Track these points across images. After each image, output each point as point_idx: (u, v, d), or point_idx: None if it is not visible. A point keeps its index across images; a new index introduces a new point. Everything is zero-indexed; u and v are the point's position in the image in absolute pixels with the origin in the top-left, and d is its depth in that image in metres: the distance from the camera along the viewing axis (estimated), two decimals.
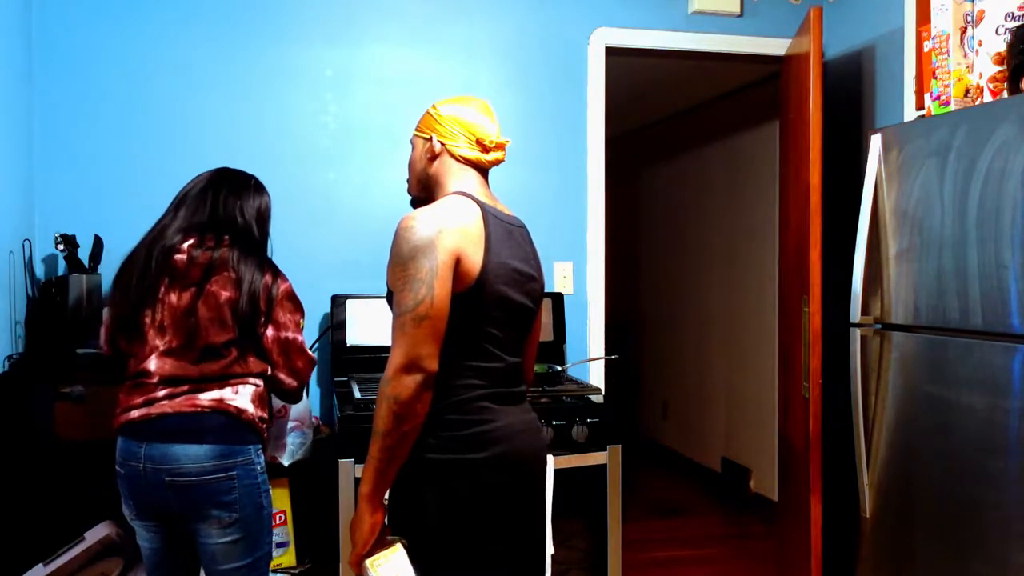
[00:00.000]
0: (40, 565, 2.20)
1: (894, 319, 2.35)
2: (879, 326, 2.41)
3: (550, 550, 2.48)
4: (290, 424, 2.47)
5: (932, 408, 2.20)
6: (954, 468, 2.12)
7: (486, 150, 1.79)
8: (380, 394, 1.58)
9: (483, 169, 1.81)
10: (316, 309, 3.03)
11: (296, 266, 3.04)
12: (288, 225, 3.04)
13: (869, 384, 2.42)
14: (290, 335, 2.03)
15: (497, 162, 1.81)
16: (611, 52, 3.31)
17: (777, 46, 3.41)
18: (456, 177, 1.78)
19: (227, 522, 1.88)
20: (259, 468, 1.96)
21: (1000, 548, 1.98)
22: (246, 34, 3.01)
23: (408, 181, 1.87)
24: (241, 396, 1.94)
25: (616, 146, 4.96)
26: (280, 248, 3.03)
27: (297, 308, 2.07)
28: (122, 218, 2.86)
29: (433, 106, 1.82)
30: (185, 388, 1.89)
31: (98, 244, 2.65)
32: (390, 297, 1.68)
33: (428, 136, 1.79)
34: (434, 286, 1.59)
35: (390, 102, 3.11)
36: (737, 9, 3.37)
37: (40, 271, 2.77)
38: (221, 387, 1.92)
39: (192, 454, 1.85)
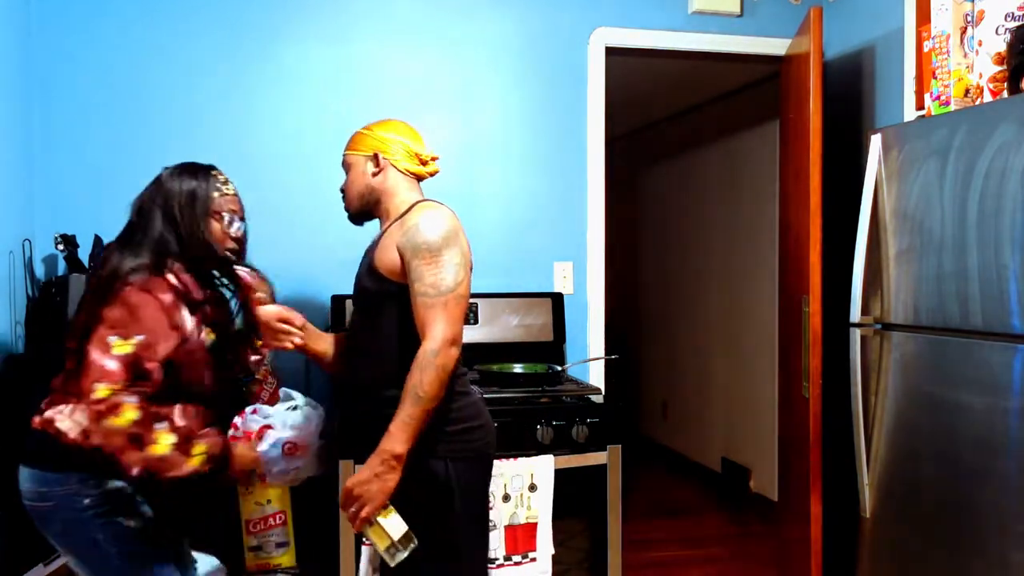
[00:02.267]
0: (40, 565, 2.20)
1: (894, 319, 2.35)
2: (879, 326, 2.41)
3: (550, 550, 2.48)
4: (282, 441, 2.05)
5: (932, 408, 2.20)
6: (954, 468, 2.12)
7: (423, 163, 2.01)
8: (426, 363, 1.74)
9: (421, 179, 2.02)
10: (316, 309, 3.03)
11: (296, 266, 3.04)
12: (288, 225, 3.04)
13: (869, 384, 2.42)
14: (93, 352, 1.64)
15: (434, 173, 2.03)
16: (611, 52, 3.31)
17: (777, 46, 3.41)
18: (405, 187, 1.98)
19: (67, 555, 1.77)
20: (88, 500, 1.71)
21: (1000, 548, 1.98)
22: (246, 34, 3.01)
23: (345, 199, 2.04)
24: (76, 415, 1.66)
25: (616, 146, 4.97)
26: (280, 248, 3.04)
27: (129, 321, 1.67)
28: (122, 219, 2.84)
29: (368, 128, 2.01)
30: (43, 403, 1.74)
31: (98, 244, 2.65)
32: (365, 293, 1.90)
33: (370, 154, 1.97)
34: (467, 271, 1.84)
35: (390, 102, 3.11)
36: (737, 9, 3.37)
37: (40, 271, 2.77)
38: (65, 401, 1.69)
39: (23, 477, 1.75)
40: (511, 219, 3.22)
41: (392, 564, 1.76)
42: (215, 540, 2.60)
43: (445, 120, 3.17)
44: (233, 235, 1.90)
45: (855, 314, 2.44)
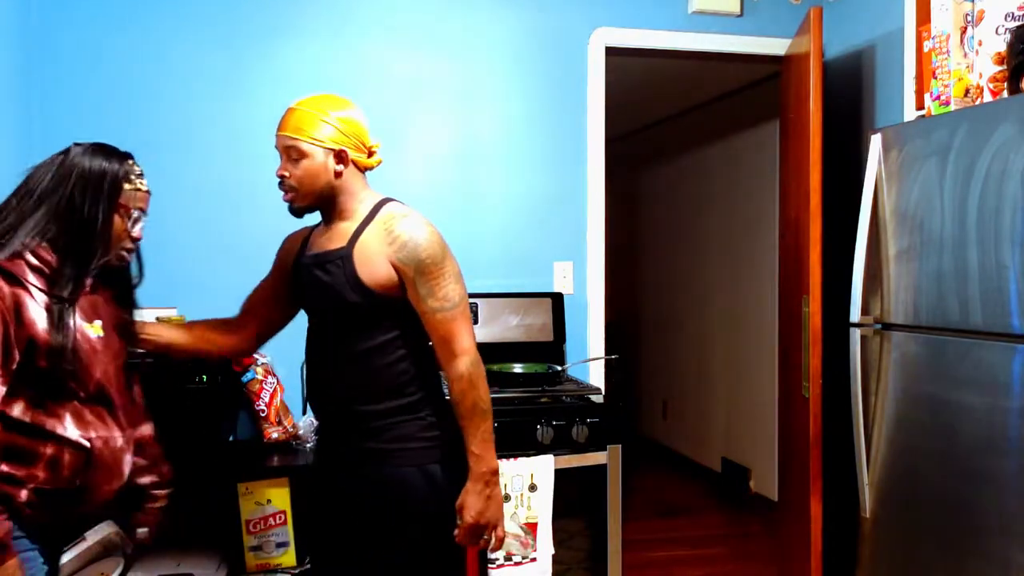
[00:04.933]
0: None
1: (894, 319, 2.35)
2: (879, 326, 2.41)
3: (550, 550, 2.48)
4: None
5: (932, 408, 2.20)
6: (954, 468, 2.12)
7: (371, 154, 1.89)
8: (475, 377, 1.76)
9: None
10: None
11: None
12: (288, 226, 3.04)
13: (869, 384, 2.42)
14: None
15: (378, 164, 1.91)
16: (611, 52, 3.31)
17: (777, 46, 3.41)
18: (361, 184, 1.88)
19: None
20: None
21: (1000, 548, 1.98)
22: (246, 33, 3.01)
23: (295, 192, 1.83)
24: None
25: (616, 146, 4.97)
26: (274, 246, 3.03)
27: None
28: None
29: (324, 111, 1.81)
30: None
31: None
32: (350, 309, 1.77)
33: (336, 149, 1.80)
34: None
35: (389, 102, 3.11)
36: (737, 9, 3.37)
37: None
38: None
39: None
40: (511, 219, 3.22)
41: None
42: (215, 540, 2.60)
43: (445, 120, 3.17)
44: (134, 236, 1.68)
45: (855, 314, 2.44)
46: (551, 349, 3.11)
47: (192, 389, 2.44)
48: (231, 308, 2.90)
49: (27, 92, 2.77)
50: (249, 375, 2.73)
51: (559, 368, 2.85)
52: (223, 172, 2.99)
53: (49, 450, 1.51)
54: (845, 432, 2.50)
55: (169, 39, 2.95)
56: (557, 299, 3.17)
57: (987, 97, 2.24)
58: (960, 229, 2.10)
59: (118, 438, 1.61)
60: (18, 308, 1.48)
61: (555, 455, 2.51)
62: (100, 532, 2.27)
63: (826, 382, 2.89)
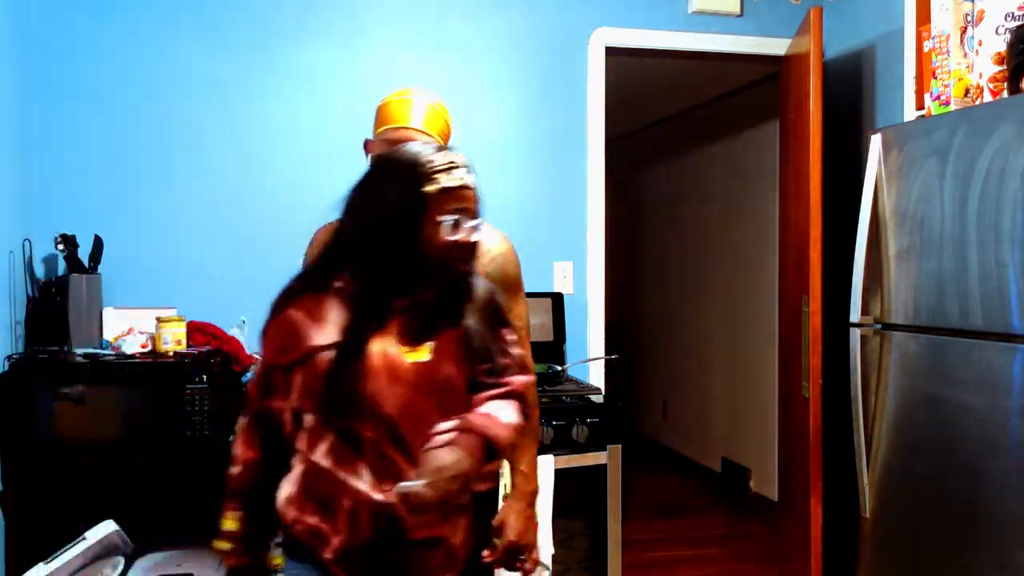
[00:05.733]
0: (41, 564, 2.20)
1: (894, 319, 2.35)
2: (879, 326, 2.40)
3: (550, 550, 2.48)
4: None
5: (932, 408, 2.20)
6: (954, 468, 2.12)
7: None
8: (534, 397, 1.70)
9: None
10: None
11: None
12: (292, 226, 3.04)
13: (869, 384, 2.42)
14: None
15: None
16: (611, 52, 3.31)
17: (777, 46, 3.41)
18: None
19: None
20: None
21: (1000, 548, 1.97)
22: (246, 34, 3.01)
23: None
24: None
25: (616, 146, 4.96)
26: (285, 249, 3.03)
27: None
28: (122, 218, 2.86)
29: (440, 104, 1.76)
30: None
31: (98, 244, 2.65)
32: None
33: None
34: None
35: None
36: (737, 9, 3.37)
37: (40, 271, 2.77)
38: None
39: None
40: (511, 219, 3.19)
41: None
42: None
43: None
44: (461, 240, 1.40)
45: (855, 314, 2.44)
46: (551, 349, 3.11)
47: (192, 389, 2.44)
48: (231, 308, 2.91)
49: (27, 92, 2.77)
50: (249, 375, 2.73)
51: (559, 368, 2.85)
52: (226, 173, 2.99)
53: (347, 502, 1.29)
54: (845, 432, 2.49)
55: (172, 39, 2.95)
56: (557, 299, 3.17)
57: (987, 97, 2.24)
58: (960, 229, 2.10)
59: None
60: (294, 336, 1.32)
61: (555, 455, 2.51)
62: (100, 532, 2.27)
63: (826, 382, 2.89)
